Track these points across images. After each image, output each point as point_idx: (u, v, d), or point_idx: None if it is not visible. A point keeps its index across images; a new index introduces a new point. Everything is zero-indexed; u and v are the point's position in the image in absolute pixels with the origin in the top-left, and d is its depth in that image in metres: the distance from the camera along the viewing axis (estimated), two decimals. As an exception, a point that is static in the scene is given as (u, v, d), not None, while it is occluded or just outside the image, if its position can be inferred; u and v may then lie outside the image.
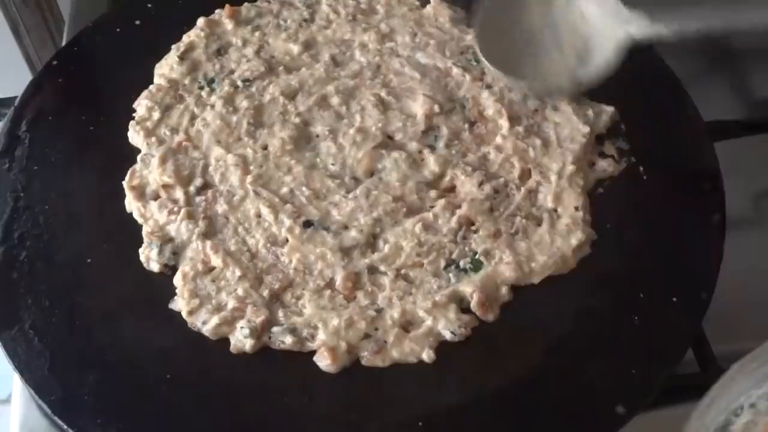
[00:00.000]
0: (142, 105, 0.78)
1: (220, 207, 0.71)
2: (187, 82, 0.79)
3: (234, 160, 0.73)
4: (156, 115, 0.77)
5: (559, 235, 0.69)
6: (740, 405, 0.56)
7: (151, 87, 0.79)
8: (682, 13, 0.68)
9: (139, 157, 0.75)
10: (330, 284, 0.67)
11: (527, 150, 0.73)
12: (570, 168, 0.72)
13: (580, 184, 0.72)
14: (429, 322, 0.65)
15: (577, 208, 0.70)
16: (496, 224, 0.69)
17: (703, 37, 0.68)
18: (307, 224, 0.69)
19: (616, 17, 0.71)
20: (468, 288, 0.66)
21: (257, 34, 0.83)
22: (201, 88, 0.79)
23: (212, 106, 0.77)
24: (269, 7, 0.85)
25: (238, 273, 0.67)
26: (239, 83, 0.79)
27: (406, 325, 0.65)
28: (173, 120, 0.77)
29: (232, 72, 0.80)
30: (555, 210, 0.71)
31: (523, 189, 0.72)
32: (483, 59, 0.75)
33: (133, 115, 0.77)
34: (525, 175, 0.73)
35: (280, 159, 0.73)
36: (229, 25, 0.83)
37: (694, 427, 0.54)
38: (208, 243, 0.69)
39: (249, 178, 0.72)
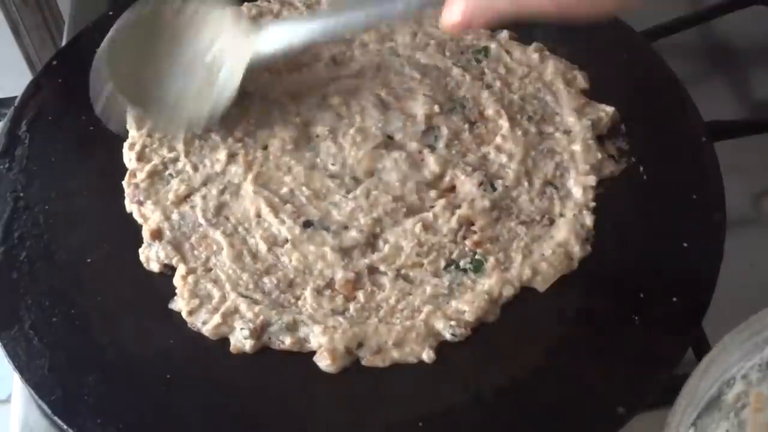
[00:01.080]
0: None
1: (220, 207, 0.71)
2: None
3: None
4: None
5: (561, 237, 0.69)
6: (732, 376, 0.56)
7: None
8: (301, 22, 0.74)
9: (138, 157, 0.75)
10: (330, 284, 0.67)
11: (529, 151, 0.74)
12: (574, 170, 0.73)
13: (584, 185, 0.72)
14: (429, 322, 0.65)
15: (580, 210, 0.71)
16: (495, 228, 0.69)
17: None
18: (307, 224, 0.69)
19: (242, 37, 0.72)
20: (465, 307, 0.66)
21: (257, 34, 0.83)
22: (201, 87, 0.79)
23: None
24: (269, 6, 0.85)
25: (238, 273, 0.67)
26: (239, 83, 0.79)
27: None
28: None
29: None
30: (559, 213, 0.71)
31: (524, 190, 0.72)
32: (112, 90, 0.72)
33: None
34: (526, 176, 0.73)
35: (280, 159, 0.73)
36: (229, 25, 0.84)
37: (687, 396, 0.54)
38: (208, 243, 0.69)
39: (249, 178, 0.72)
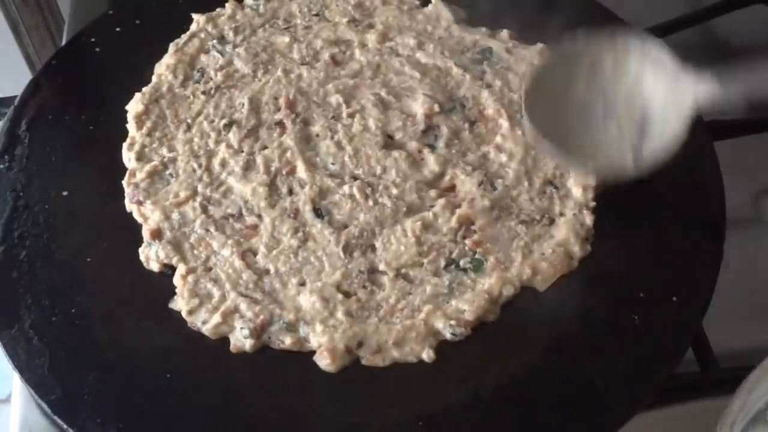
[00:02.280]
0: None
1: (220, 206, 0.71)
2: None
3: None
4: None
5: (561, 236, 0.69)
6: None
7: (144, 89, 0.79)
8: (754, 72, 0.62)
9: (138, 157, 0.75)
10: (330, 284, 0.67)
11: (529, 150, 0.74)
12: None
13: (584, 184, 0.72)
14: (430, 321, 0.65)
15: (580, 209, 0.71)
16: (495, 227, 0.69)
17: None
18: (307, 224, 0.69)
19: (677, 81, 0.63)
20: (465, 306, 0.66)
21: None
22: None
23: (212, 106, 0.78)
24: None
25: (238, 272, 0.67)
26: (239, 83, 0.79)
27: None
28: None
29: (232, 71, 0.80)
30: (559, 212, 0.71)
31: (524, 189, 0.72)
32: (532, 128, 0.68)
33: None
34: (526, 175, 0.73)
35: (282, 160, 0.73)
36: (229, 24, 0.84)
37: (736, 409, 0.55)
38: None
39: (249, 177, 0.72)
